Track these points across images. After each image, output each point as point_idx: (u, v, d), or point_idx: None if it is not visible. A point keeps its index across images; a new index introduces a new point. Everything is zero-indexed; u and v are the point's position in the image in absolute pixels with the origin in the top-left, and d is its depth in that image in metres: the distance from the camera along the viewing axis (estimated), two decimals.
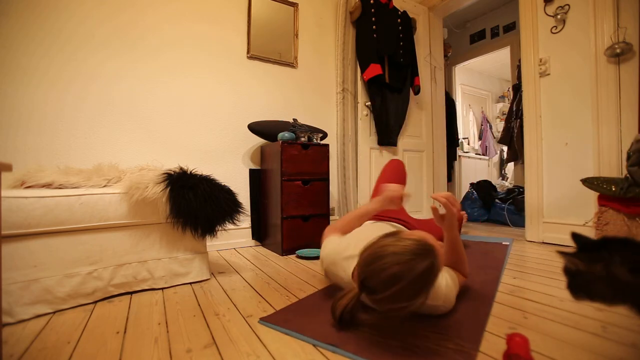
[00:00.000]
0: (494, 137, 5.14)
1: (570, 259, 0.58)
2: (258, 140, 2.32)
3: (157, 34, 2.00)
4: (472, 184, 3.52)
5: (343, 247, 1.06)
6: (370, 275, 0.79)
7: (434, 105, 3.07)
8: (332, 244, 1.11)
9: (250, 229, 2.26)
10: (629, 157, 1.51)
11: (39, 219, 1.09)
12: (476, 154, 4.93)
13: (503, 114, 4.99)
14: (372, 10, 2.55)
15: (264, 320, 1.00)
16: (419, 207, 2.88)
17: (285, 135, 2.03)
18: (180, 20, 2.08)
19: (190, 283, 1.40)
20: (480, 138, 5.24)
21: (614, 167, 1.83)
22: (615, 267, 0.51)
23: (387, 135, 2.64)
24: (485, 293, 1.19)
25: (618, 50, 1.78)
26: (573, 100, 2.02)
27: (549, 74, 2.13)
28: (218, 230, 1.42)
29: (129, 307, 1.14)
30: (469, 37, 4.21)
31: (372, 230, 1.16)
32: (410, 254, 0.75)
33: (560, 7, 2.05)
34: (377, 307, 0.82)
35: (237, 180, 2.21)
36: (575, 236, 0.61)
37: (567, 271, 0.61)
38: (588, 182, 1.67)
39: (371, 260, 0.80)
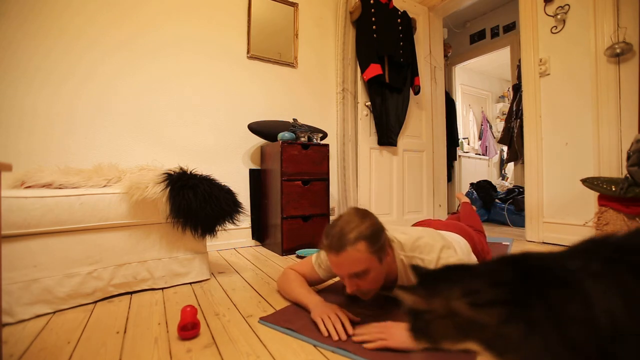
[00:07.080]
0: (494, 137, 5.13)
1: (409, 296, 0.47)
2: (258, 140, 2.32)
3: (156, 34, 2.00)
4: (472, 184, 3.52)
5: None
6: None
7: (434, 105, 3.06)
8: None
9: (250, 229, 2.26)
10: (629, 157, 1.51)
11: (39, 219, 1.08)
12: (476, 154, 4.93)
13: (503, 114, 4.99)
14: (372, 10, 2.55)
15: (264, 320, 1.00)
16: (419, 207, 2.88)
17: (285, 135, 2.02)
18: (180, 20, 2.08)
19: (190, 283, 1.40)
20: (480, 138, 5.24)
21: (614, 167, 1.82)
22: (454, 302, 0.43)
23: (387, 135, 2.64)
24: None
25: (618, 50, 1.78)
26: (573, 100, 2.02)
27: (549, 74, 2.13)
28: (218, 230, 1.42)
29: (129, 307, 1.14)
30: (469, 37, 4.21)
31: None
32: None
33: (560, 7, 2.05)
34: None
35: (237, 180, 2.21)
36: (415, 268, 0.52)
37: (409, 312, 0.48)
38: (588, 182, 1.67)
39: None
